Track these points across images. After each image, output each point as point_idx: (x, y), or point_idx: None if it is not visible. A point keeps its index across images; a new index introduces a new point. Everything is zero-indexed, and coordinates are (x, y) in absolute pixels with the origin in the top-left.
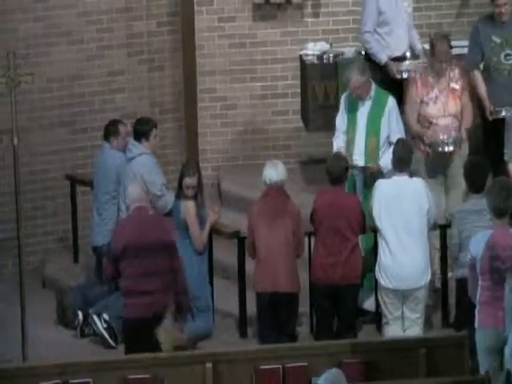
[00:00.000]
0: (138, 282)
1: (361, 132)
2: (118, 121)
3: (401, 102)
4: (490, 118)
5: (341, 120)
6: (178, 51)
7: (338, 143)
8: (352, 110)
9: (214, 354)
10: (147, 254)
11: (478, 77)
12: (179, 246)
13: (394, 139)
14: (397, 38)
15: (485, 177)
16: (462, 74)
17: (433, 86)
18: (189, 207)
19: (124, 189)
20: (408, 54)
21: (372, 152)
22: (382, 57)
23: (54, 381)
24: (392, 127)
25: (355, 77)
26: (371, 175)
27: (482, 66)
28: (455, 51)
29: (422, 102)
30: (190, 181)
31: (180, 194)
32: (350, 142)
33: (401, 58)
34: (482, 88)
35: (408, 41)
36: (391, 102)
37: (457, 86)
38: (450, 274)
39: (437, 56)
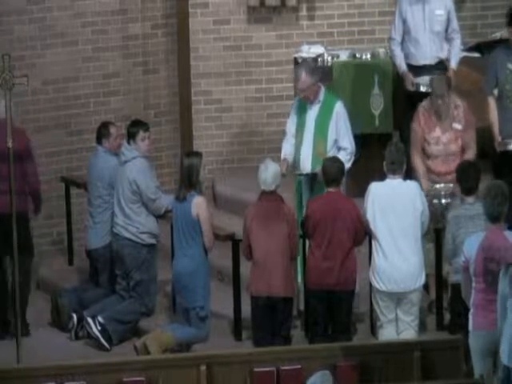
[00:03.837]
0: None
1: (308, 136)
2: (109, 122)
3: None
4: (498, 150)
5: (290, 123)
6: (173, 53)
7: (286, 150)
8: (301, 113)
9: (209, 357)
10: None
11: (491, 104)
12: (189, 244)
13: (342, 144)
14: (418, 47)
15: (476, 179)
16: (466, 111)
17: (435, 126)
18: (202, 202)
19: (117, 192)
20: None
21: (319, 156)
22: (401, 66)
23: (49, 383)
24: (340, 131)
25: (303, 78)
26: (319, 181)
27: (496, 93)
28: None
29: (424, 139)
30: (202, 173)
31: (185, 190)
32: (297, 146)
33: (426, 68)
34: (493, 116)
35: (435, 51)
36: (339, 106)
37: (459, 126)
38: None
39: (434, 92)
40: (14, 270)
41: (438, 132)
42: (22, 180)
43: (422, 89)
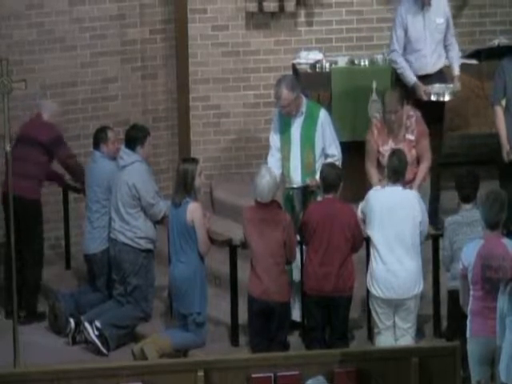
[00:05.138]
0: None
1: (295, 147)
2: (106, 127)
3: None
4: (506, 160)
5: (274, 137)
6: (171, 59)
7: (272, 165)
8: (285, 126)
9: (206, 362)
10: (25, 144)
11: (498, 113)
12: (185, 250)
13: (329, 151)
14: (419, 57)
15: (474, 187)
16: (418, 121)
17: (388, 138)
18: (197, 208)
19: (115, 197)
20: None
21: (309, 166)
22: (410, 77)
23: None
24: (326, 139)
25: (284, 95)
26: (311, 192)
27: (504, 103)
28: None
29: (378, 151)
30: (199, 180)
31: (180, 195)
32: (285, 159)
33: (427, 77)
34: (500, 125)
35: (436, 60)
36: (323, 114)
37: (412, 137)
38: None
39: (386, 108)
40: (12, 276)
41: (391, 144)
42: (37, 167)
43: (433, 98)
